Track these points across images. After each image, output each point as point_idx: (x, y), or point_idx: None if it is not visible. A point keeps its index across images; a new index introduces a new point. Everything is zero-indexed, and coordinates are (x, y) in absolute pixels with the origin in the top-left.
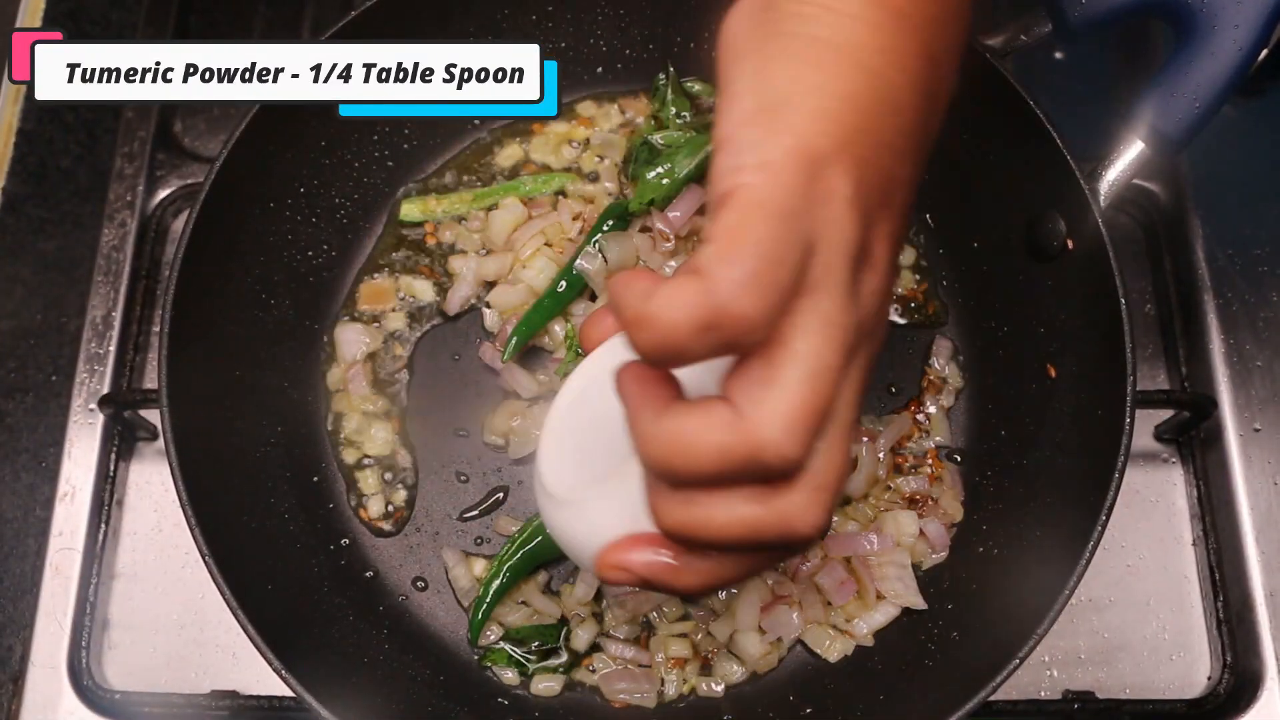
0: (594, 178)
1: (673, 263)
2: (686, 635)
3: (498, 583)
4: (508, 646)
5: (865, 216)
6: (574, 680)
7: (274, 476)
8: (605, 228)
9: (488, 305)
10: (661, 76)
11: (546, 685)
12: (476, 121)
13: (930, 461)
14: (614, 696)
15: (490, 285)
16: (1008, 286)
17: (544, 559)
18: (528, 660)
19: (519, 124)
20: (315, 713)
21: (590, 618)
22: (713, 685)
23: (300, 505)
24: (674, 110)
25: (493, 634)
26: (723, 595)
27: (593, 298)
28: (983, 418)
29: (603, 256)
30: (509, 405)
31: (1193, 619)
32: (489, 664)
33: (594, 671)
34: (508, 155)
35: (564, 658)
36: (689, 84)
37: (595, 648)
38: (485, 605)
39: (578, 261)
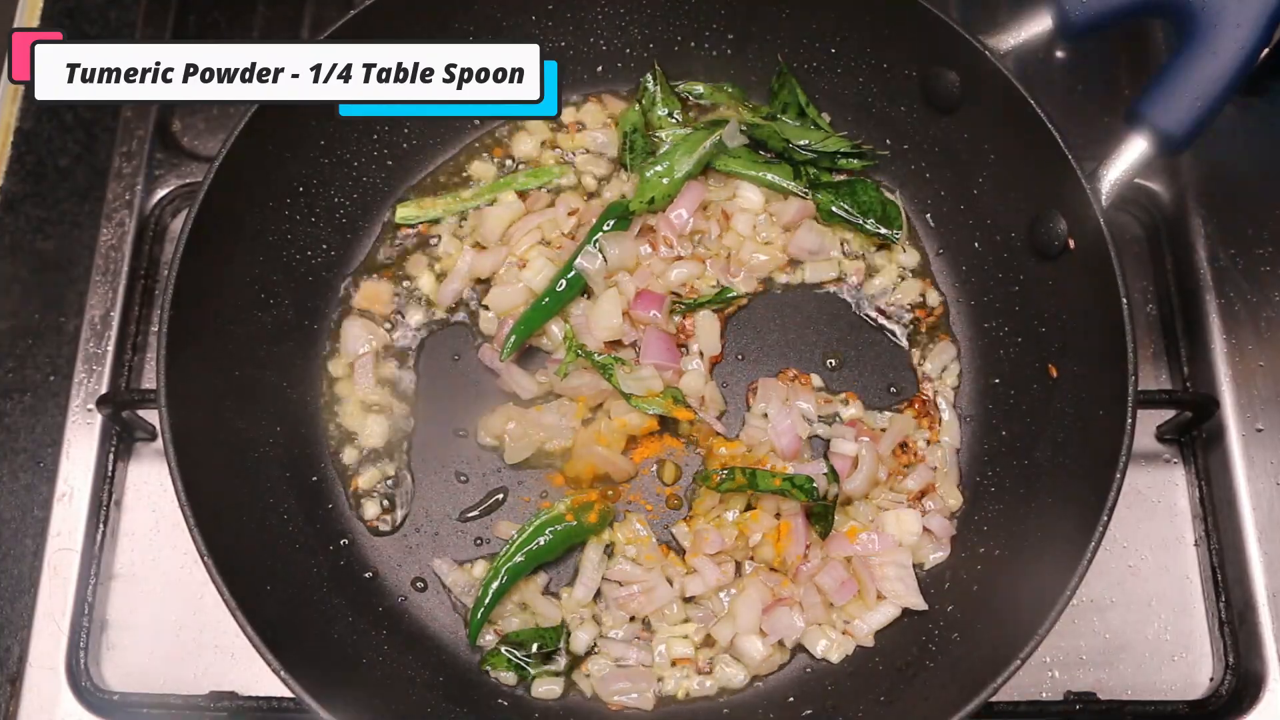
0: (588, 173)
1: (679, 269)
2: (688, 636)
3: (496, 584)
4: (506, 650)
5: None
6: (573, 682)
7: (273, 476)
8: (606, 227)
9: (485, 307)
10: (649, 78)
11: (547, 688)
12: (477, 121)
13: (929, 447)
14: (610, 698)
15: (485, 282)
16: (1009, 286)
17: (544, 559)
18: (527, 663)
19: (513, 124)
20: (315, 714)
21: (590, 620)
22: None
23: (299, 505)
24: (665, 111)
25: (492, 635)
26: (724, 596)
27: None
28: (983, 418)
29: (602, 256)
30: (505, 409)
31: (1195, 620)
32: (488, 667)
33: (590, 676)
34: (498, 156)
35: (563, 660)
36: (686, 85)
37: (594, 650)
38: (484, 607)
39: (577, 260)
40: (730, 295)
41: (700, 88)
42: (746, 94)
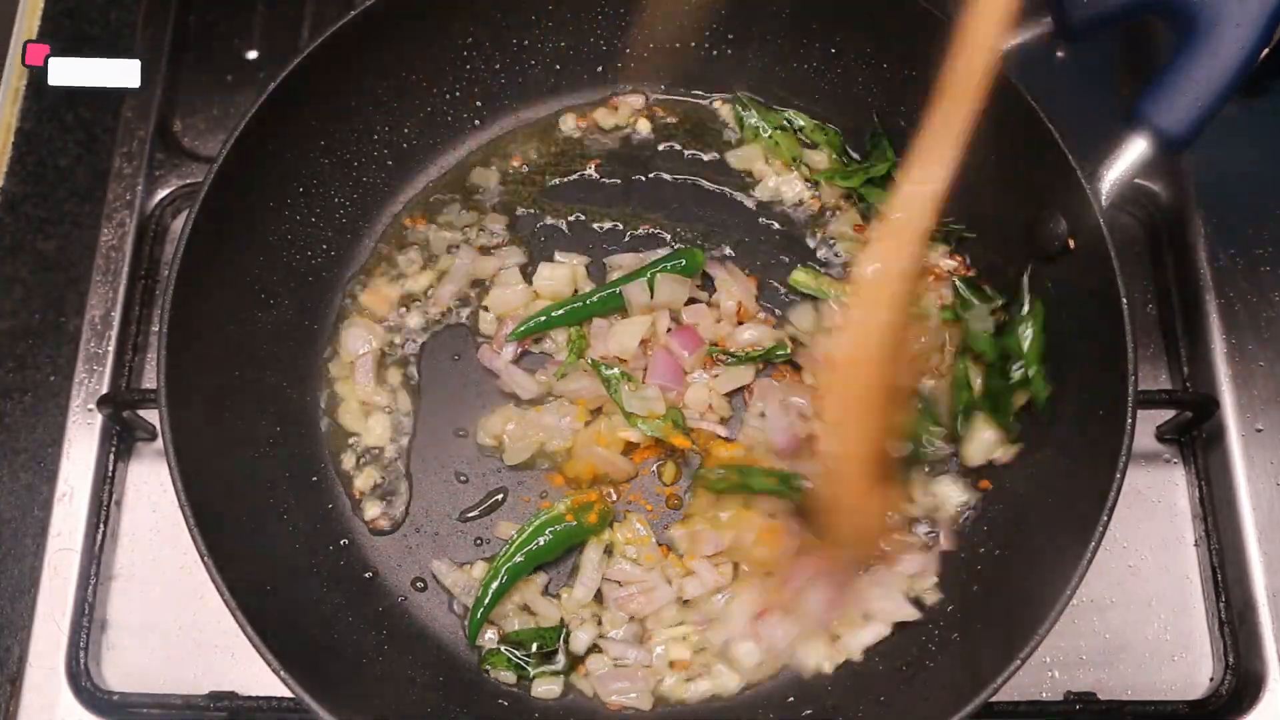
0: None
1: (752, 331)
2: (686, 637)
3: (496, 584)
4: (506, 649)
5: None
6: (572, 683)
7: (273, 477)
8: (667, 266)
9: (485, 308)
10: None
11: (547, 688)
12: (477, 121)
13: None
14: (609, 698)
15: (481, 282)
16: (1009, 286)
17: (544, 559)
18: (527, 663)
19: (517, 130)
20: (314, 714)
21: (589, 620)
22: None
23: (299, 505)
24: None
25: (491, 635)
26: (720, 598)
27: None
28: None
29: (650, 291)
30: (505, 410)
31: (1195, 620)
32: (488, 667)
33: (590, 676)
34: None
35: (563, 660)
36: (793, 113)
37: (594, 649)
38: (484, 607)
39: (626, 287)
40: (780, 353)
41: (802, 120)
42: (843, 138)
